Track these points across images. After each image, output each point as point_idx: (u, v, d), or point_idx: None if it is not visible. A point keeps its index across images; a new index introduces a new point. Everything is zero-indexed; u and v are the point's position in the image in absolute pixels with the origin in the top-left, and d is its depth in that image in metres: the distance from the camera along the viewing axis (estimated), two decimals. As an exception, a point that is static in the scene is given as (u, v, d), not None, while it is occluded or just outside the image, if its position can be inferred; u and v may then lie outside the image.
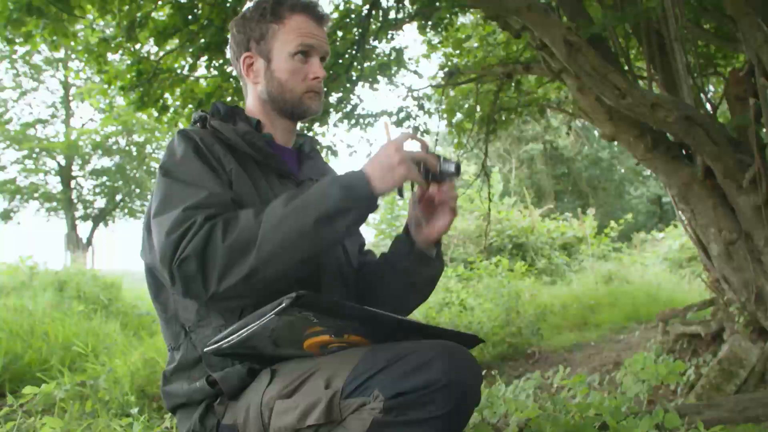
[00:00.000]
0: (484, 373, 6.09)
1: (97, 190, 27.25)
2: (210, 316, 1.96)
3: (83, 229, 27.29)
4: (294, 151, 2.31)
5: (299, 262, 1.78)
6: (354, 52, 6.90)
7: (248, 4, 2.21)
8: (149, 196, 2.09)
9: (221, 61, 6.56)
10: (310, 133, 7.75)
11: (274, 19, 2.13)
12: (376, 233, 18.26)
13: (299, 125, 2.33)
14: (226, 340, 1.68)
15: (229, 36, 2.27)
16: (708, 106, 5.03)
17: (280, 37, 2.12)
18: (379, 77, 7.83)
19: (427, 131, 8.52)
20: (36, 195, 25.80)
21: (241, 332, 1.64)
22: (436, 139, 7.89)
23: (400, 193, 1.98)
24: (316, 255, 1.83)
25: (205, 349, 1.77)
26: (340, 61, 6.89)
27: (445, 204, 2.07)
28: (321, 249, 1.82)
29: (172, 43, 6.84)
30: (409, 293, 2.22)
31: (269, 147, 2.14)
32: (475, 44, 8.58)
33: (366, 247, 2.45)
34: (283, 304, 1.50)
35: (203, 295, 1.76)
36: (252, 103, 2.24)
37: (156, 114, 7.17)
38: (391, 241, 2.24)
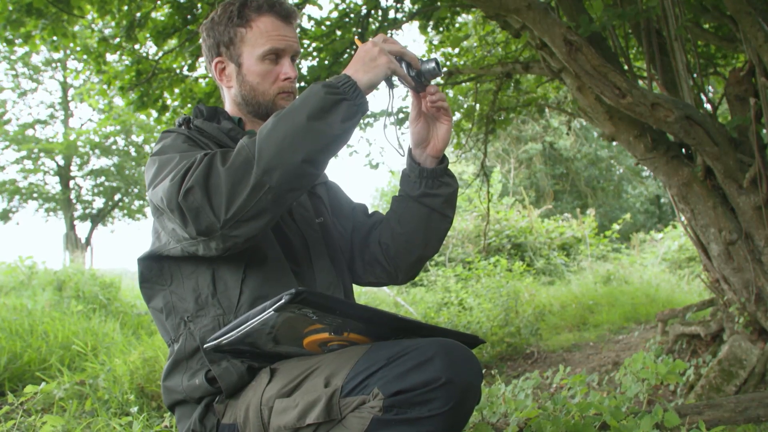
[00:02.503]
0: (483, 372, 6.10)
1: (96, 190, 27.27)
2: (208, 304, 1.96)
3: (82, 228, 27.38)
4: None
5: (302, 163, 1.75)
6: (353, 51, 6.90)
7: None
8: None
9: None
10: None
11: (241, 23, 2.14)
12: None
13: None
14: (226, 336, 1.67)
15: (200, 40, 2.29)
16: (708, 106, 5.03)
17: (248, 41, 2.14)
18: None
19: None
20: (35, 195, 25.82)
21: (241, 328, 1.64)
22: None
23: (390, 84, 2.04)
24: (318, 152, 1.79)
25: (205, 346, 1.77)
26: (342, 59, 6.88)
27: (438, 111, 2.13)
28: (321, 145, 1.78)
29: (172, 43, 6.85)
30: (432, 220, 2.23)
31: None
32: (474, 44, 8.58)
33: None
34: (282, 300, 1.50)
35: (216, 225, 1.73)
36: (229, 105, 2.27)
37: (155, 114, 7.18)
38: (400, 180, 2.28)
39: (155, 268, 2.06)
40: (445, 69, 7.41)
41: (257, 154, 1.72)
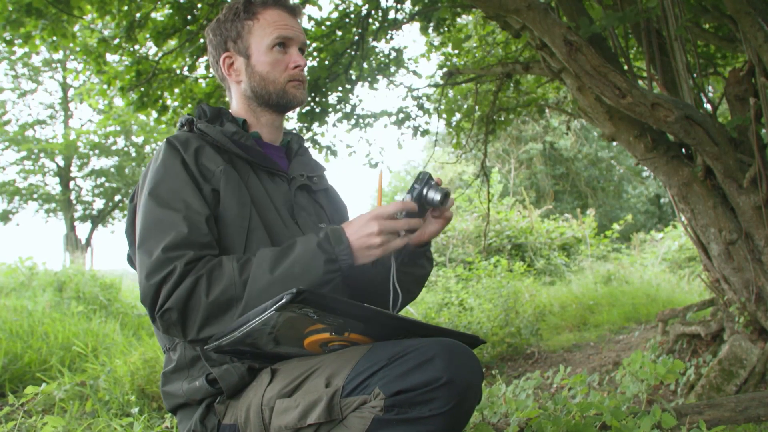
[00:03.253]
0: (483, 372, 6.10)
1: (96, 191, 27.24)
2: None
3: (82, 229, 27.34)
4: (282, 148, 2.34)
5: None
6: (354, 52, 6.90)
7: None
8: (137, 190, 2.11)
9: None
10: (309, 134, 7.75)
11: (248, 16, 2.18)
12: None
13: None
14: (227, 337, 1.68)
15: (206, 41, 2.32)
16: (708, 106, 5.02)
17: (256, 32, 2.17)
18: (378, 77, 7.83)
19: (426, 132, 8.54)
20: (35, 196, 25.80)
21: (242, 328, 1.64)
22: (435, 140, 7.90)
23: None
24: None
25: (205, 347, 1.77)
26: (342, 59, 6.88)
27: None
28: None
29: (172, 44, 6.85)
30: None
31: (257, 146, 2.18)
32: (474, 44, 8.58)
33: None
34: (283, 300, 1.50)
35: (181, 339, 1.86)
36: (237, 103, 2.28)
37: (155, 114, 7.18)
38: None
39: None
40: (444, 69, 7.41)
41: (244, 303, 1.78)
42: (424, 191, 2.01)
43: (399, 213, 1.94)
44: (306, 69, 2.24)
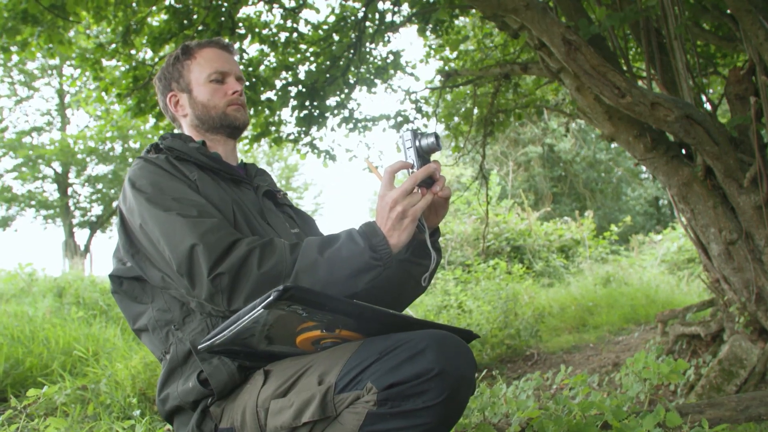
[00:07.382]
0: (483, 374, 6.09)
1: (94, 197, 27.24)
2: (195, 310, 2.00)
3: (81, 236, 27.32)
4: (241, 168, 2.45)
5: None
6: (351, 55, 6.90)
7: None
8: (122, 207, 2.12)
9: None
10: (308, 138, 7.77)
11: (186, 57, 2.36)
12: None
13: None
14: (219, 336, 1.68)
15: (156, 91, 2.48)
16: (708, 105, 5.03)
17: (194, 69, 2.34)
18: (376, 80, 7.84)
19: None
20: (33, 203, 25.79)
21: (232, 327, 1.65)
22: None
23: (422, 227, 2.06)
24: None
25: (199, 347, 1.78)
26: (339, 63, 6.88)
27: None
28: (342, 294, 1.86)
29: (168, 49, 6.85)
30: (407, 286, 2.24)
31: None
32: (472, 47, 8.58)
33: None
34: (271, 298, 1.51)
35: (223, 308, 1.83)
36: (189, 134, 2.39)
37: (153, 120, 7.18)
38: None
39: (137, 288, 2.13)
40: (443, 71, 7.41)
41: (292, 278, 1.82)
42: (417, 144, 2.04)
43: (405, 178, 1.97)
44: (243, 93, 2.38)
